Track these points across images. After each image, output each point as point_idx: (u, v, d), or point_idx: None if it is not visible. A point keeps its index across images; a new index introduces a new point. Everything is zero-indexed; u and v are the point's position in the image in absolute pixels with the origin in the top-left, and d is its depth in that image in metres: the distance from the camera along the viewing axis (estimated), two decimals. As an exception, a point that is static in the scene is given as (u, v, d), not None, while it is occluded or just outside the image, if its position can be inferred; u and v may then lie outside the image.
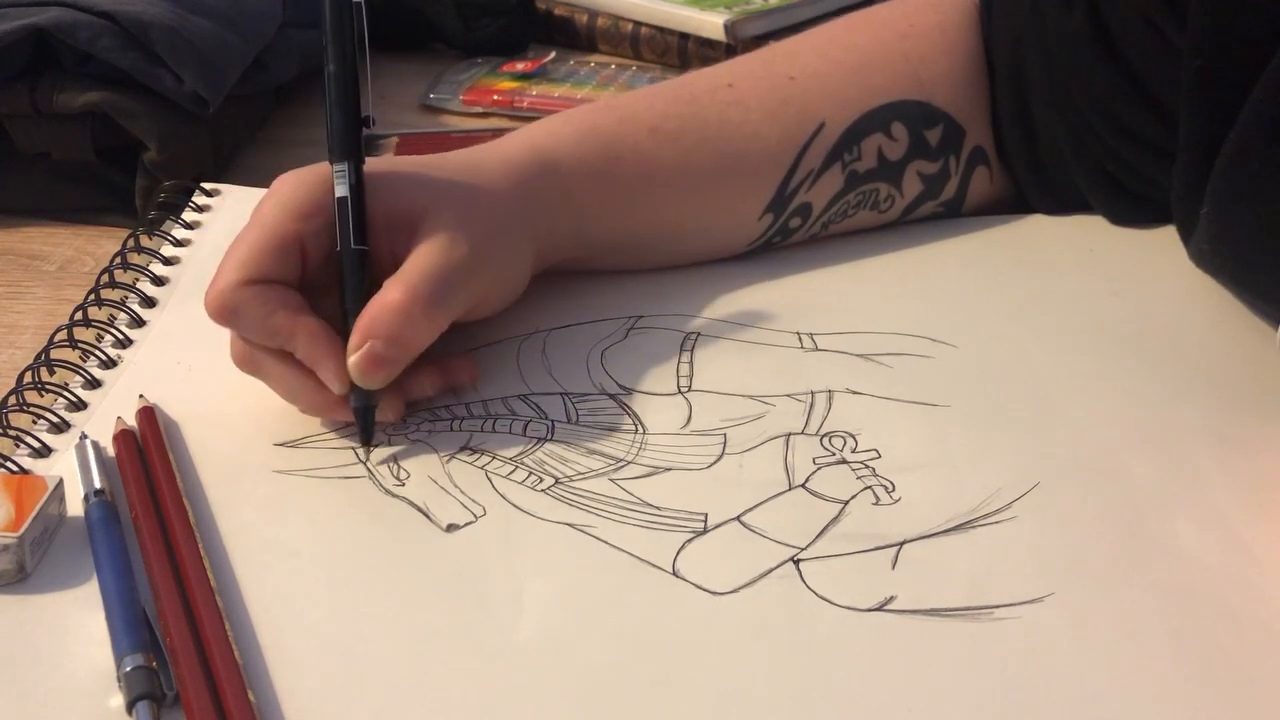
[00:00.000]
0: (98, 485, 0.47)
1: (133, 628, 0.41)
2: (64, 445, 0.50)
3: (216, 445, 0.50)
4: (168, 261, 0.63)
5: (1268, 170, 0.51)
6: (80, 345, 0.55)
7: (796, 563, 0.45)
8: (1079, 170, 0.64)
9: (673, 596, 0.43)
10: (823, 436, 0.51)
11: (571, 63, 0.96)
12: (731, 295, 0.60)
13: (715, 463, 0.50)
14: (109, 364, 0.55)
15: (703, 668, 0.41)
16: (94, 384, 0.54)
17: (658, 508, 0.47)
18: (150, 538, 0.45)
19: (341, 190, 0.51)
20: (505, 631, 0.42)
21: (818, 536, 0.46)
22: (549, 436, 0.51)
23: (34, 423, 0.51)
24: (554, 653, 0.41)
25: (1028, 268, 0.63)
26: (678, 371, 0.55)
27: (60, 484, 0.46)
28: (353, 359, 0.49)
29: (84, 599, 0.43)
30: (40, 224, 0.71)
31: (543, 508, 0.47)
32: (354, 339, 0.49)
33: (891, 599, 0.43)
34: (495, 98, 0.88)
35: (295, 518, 0.47)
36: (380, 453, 0.50)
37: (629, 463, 0.50)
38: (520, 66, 0.94)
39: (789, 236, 0.64)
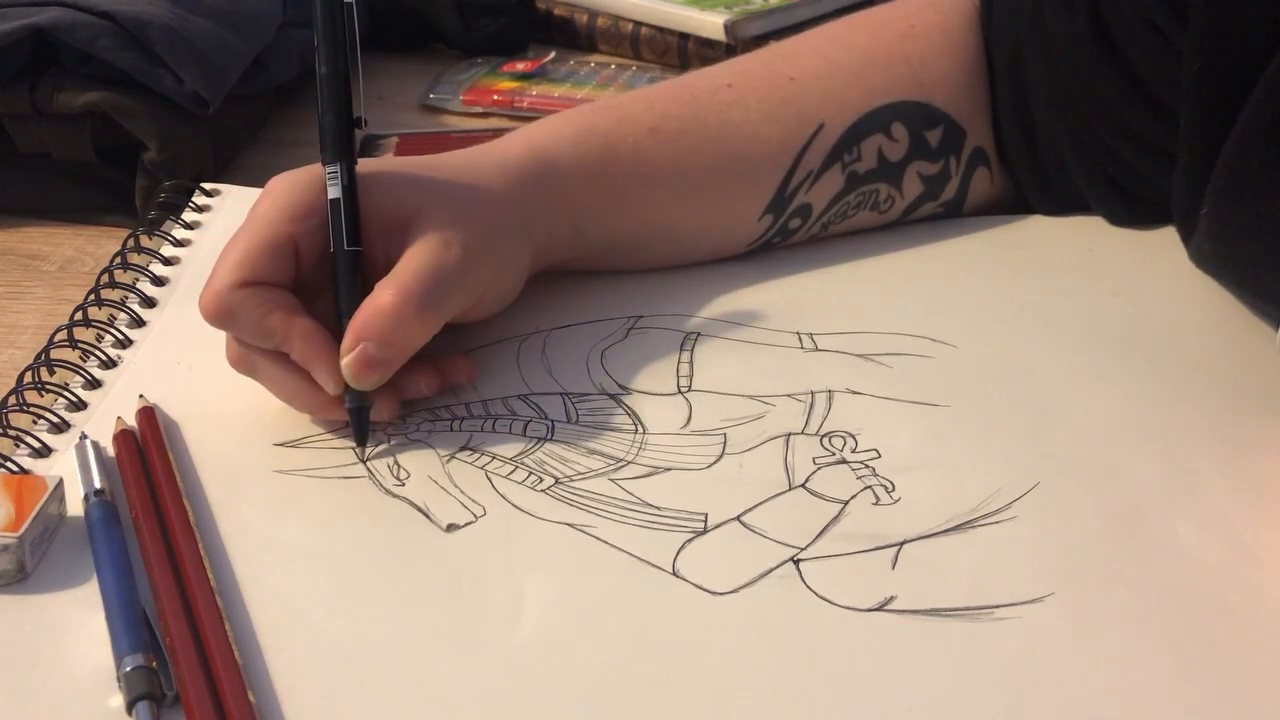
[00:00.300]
0: (98, 485, 0.47)
1: (133, 628, 0.41)
2: (64, 445, 0.50)
3: (216, 445, 0.50)
4: (168, 261, 0.63)
5: (1268, 170, 0.51)
6: (80, 345, 0.55)
7: (796, 563, 0.45)
8: (1079, 171, 0.64)
9: (673, 596, 0.43)
10: (823, 436, 0.51)
11: (571, 63, 0.96)
12: (731, 295, 0.60)
13: (715, 463, 0.50)
14: (109, 364, 0.55)
15: (703, 668, 0.41)
16: (94, 384, 0.54)
17: (658, 508, 0.47)
18: (150, 538, 0.45)
19: (334, 191, 0.51)
20: (505, 631, 0.42)
21: (818, 536, 0.46)
22: (549, 436, 0.51)
23: (34, 423, 0.51)
24: (554, 653, 0.41)
25: (1028, 268, 0.63)
26: (678, 371, 0.55)
27: (60, 484, 0.46)
28: (345, 361, 0.49)
29: (84, 599, 0.43)
30: (40, 224, 0.71)
31: (543, 508, 0.47)
32: (346, 341, 0.49)
33: (891, 599, 0.43)
34: (495, 98, 0.88)
35: (295, 518, 0.47)
36: (380, 453, 0.50)
37: (629, 463, 0.50)
38: (520, 66, 0.94)
39: (789, 237, 0.63)
